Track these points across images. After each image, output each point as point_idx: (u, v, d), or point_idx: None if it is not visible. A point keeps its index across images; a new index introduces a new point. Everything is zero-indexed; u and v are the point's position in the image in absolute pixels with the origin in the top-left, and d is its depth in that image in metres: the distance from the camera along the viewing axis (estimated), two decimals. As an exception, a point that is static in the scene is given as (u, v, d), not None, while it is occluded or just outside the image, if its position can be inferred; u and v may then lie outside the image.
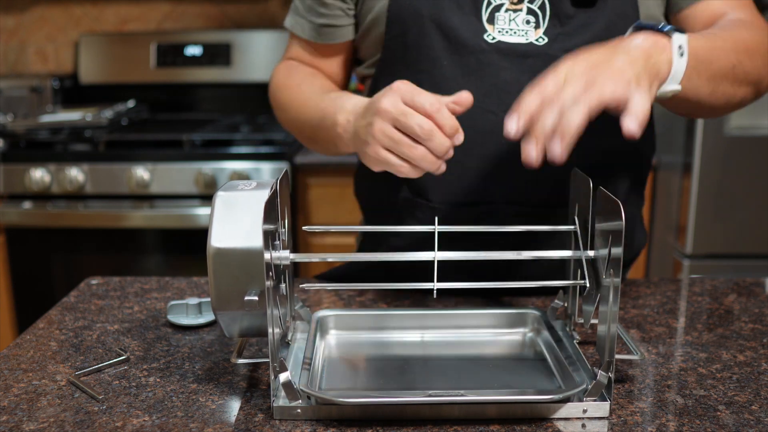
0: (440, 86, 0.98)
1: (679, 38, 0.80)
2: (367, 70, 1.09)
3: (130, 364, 0.82)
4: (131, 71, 2.71)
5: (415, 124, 0.81)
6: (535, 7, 0.97)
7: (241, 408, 0.72)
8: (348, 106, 0.93)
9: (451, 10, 0.97)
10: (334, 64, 1.12)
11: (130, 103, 2.65)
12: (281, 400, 0.70)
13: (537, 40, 0.97)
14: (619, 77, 0.73)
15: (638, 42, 0.78)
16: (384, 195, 1.08)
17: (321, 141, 1.03)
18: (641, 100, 0.73)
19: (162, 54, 2.68)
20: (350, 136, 0.92)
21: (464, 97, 0.83)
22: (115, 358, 0.82)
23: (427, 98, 0.81)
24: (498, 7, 0.97)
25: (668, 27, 0.81)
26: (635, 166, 1.07)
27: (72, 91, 2.72)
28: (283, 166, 2.16)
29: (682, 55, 0.81)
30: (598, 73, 0.74)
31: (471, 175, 1.00)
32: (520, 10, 0.97)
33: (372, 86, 1.07)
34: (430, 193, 1.02)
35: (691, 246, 2.11)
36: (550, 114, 0.73)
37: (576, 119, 0.72)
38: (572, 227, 0.82)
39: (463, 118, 0.97)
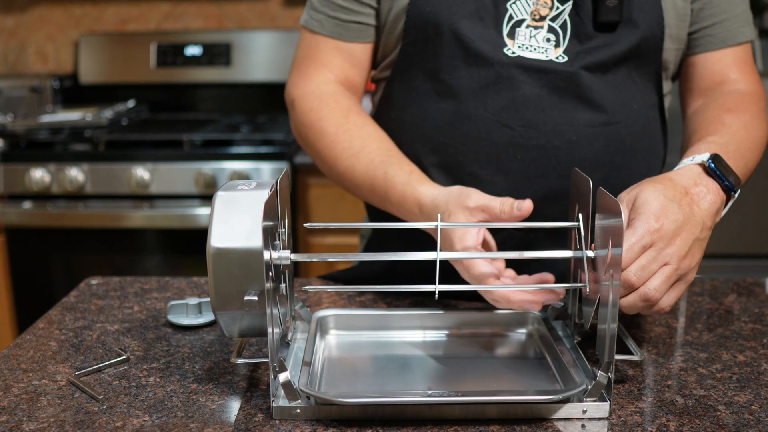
0: (458, 98, 0.98)
1: (735, 195, 0.86)
2: (381, 73, 1.06)
3: (130, 364, 0.82)
4: (131, 71, 2.71)
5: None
6: (556, 25, 0.96)
7: (241, 408, 0.72)
8: (428, 200, 0.91)
9: (471, 21, 0.96)
10: (358, 68, 1.05)
11: (130, 103, 2.65)
12: (281, 400, 0.70)
13: (557, 58, 0.96)
14: (691, 278, 0.81)
15: (709, 210, 0.82)
16: None
17: (376, 203, 1.00)
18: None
19: (162, 54, 2.68)
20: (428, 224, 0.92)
21: (525, 207, 0.85)
22: (115, 358, 0.82)
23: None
24: (519, 23, 0.96)
25: (733, 185, 0.85)
26: (649, 159, 1.06)
27: (72, 91, 2.72)
28: (283, 166, 2.16)
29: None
30: (676, 277, 0.78)
31: (485, 188, 0.97)
32: (542, 27, 0.96)
33: (386, 91, 1.05)
34: None
35: (691, 246, 2.11)
36: (641, 303, 0.77)
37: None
38: (575, 224, 0.81)
39: (479, 131, 0.97)
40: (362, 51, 1.05)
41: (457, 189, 0.89)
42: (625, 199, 0.82)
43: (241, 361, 0.76)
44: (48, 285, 2.28)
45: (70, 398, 0.74)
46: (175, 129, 2.34)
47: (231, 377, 0.79)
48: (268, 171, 2.15)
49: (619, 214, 0.68)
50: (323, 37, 1.04)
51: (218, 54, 2.67)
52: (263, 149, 2.18)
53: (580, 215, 0.81)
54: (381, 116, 1.07)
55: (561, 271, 0.97)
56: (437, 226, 0.79)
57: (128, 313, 0.97)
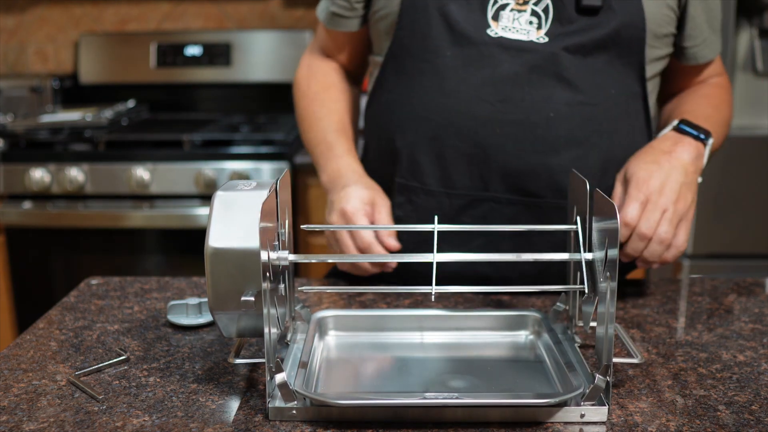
0: (441, 75, 1.03)
1: (710, 142, 1.01)
2: (377, 57, 1.13)
3: (130, 364, 0.82)
4: (131, 71, 2.71)
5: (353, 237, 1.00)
6: (539, 9, 1.00)
7: (240, 408, 0.72)
8: (330, 170, 1.11)
9: (458, 4, 1.01)
10: (345, 51, 1.20)
11: (130, 103, 2.65)
12: (277, 401, 0.70)
13: (538, 39, 1.00)
14: (689, 225, 0.96)
15: (689, 158, 0.98)
16: (383, 178, 1.11)
17: (314, 159, 1.18)
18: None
19: (162, 54, 2.68)
20: (326, 191, 1.11)
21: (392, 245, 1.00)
22: (115, 358, 0.82)
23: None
24: (504, 6, 1.01)
25: (704, 136, 1.00)
26: (627, 146, 1.08)
27: (72, 91, 2.72)
28: (283, 166, 2.16)
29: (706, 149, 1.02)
30: (677, 218, 0.94)
31: (465, 161, 1.03)
32: (525, 10, 1.00)
33: (379, 75, 1.11)
34: (426, 177, 1.05)
35: (691, 246, 2.11)
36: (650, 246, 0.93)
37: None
38: (573, 227, 0.81)
39: (459, 105, 1.03)
40: (347, 38, 1.17)
41: (370, 184, 1.07)
42: (619, 178, 0.98)
43: (238, 361, 0.76)
44: (48, 285, 2.28)
45: (70, 398, 0.74)
46: (175, 129, 2.34)
47: (231, 377, 0.79)
48: (268, 171, 2.15)
49: (615, 216, 0.68)
50: (321, 22, 1.19)
51: (218, 54, 2.67)
52: (263, 149, 2.18)
53: (578, 218, 0.81)
54: (374, 98, 1.13)
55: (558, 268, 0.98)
56: (434, 228, 0.79)
57: (128, 313, 0.97)
